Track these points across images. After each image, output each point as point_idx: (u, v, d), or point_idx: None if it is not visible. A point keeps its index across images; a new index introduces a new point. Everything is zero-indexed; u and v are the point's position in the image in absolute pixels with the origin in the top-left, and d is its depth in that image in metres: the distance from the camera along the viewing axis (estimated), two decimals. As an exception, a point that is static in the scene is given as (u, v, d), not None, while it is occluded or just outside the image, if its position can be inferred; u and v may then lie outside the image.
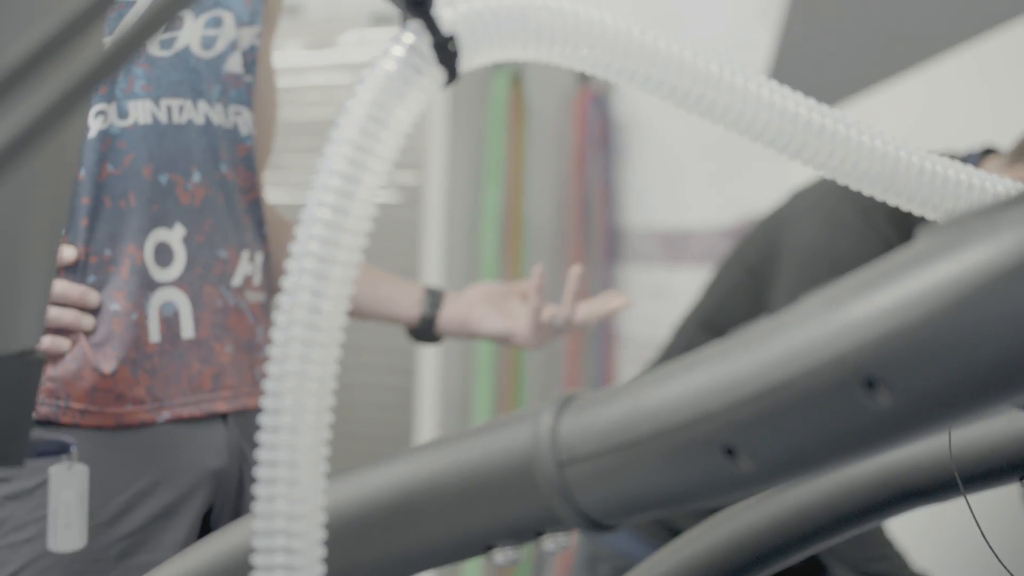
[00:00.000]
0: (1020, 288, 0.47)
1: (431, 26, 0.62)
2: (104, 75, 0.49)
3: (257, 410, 1.61)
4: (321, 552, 0.59)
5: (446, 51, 0.63)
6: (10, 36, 0.60)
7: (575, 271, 1.69)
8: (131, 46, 0.50)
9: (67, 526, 0.70)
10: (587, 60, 0.70)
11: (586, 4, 0.69)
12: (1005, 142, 2.13)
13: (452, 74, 0.63)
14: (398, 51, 0.63)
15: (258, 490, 0.59)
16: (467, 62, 0.64)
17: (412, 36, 0.63)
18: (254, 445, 1.67)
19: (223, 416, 1.58)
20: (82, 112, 0.85)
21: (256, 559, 0.58)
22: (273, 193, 1.85)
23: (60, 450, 0.76)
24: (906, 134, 0.80)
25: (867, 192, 0.77)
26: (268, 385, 0.59)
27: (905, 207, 0.77)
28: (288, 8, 3.40)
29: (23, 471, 1.41)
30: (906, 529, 2.10)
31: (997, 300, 0.47)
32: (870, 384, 0.50)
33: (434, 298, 1.79)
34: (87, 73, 0.49)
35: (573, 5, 0.69)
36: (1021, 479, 1.05)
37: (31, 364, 0.66)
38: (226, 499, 1.59)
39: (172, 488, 1.52)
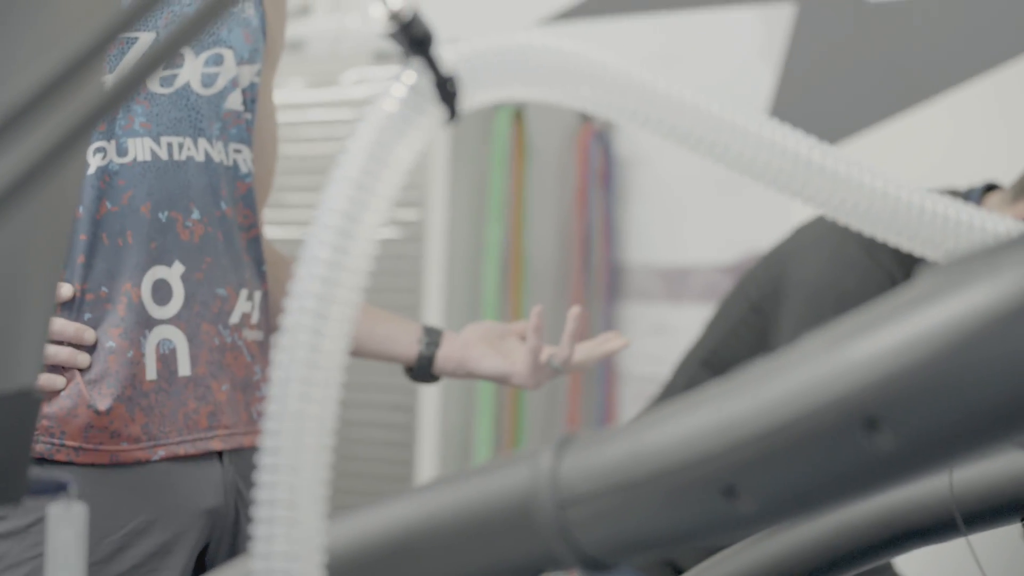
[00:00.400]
0: (1021, 328, 0.47)
1: (432, 65, 0.62)
2: (106, 113, 0.50)
3: (253, 449, 1.61)
4: (320, 592, 0.58)
5: (447, 90, 0.63)
6: (11, 75, 0.60)
7: (574, 312, 1.69)
8: (132, 85, 0.50)
9: (65, 566, 0.69)
10: (588, 99, 0.70)
11: (587, 44, 0.69)
12: (1007, 177, 2.13)
13: (453, 113, 0.64)
14: (399, 90, 0.63)
15: (257, 530, 0.58)
16: (468, 101, 0.64)
17: (413, 75, 0.63)
18: (251, 484, 1.67)
19: (219, 455, 1.57)
20: (82, 150, 0.85)
21: (254, 599, 0.58)
22: (273, 230, 1.85)
23: (57, 488, 0.75)
24: (908, 171, 0.80)
25: (868, 231, 0.77)
26: (267, 425, 0.59)
27: (906, 247, 0.77)
28: (290, 46, 3.41)
29: (17, 509, 1.40)
30: (906, 566, 2.09)
31: (998, 341, 0.47)
32: (872, 425, 0.49)
33: (432, 337, 1.78)
34: (89, 112, 0.50)
35: (574, 45, 0.69)
36: (1022, 519, 1.05)
37: (30, 402, 0.66)
38: (222, 538, 1.58)
39: (167, 527, 1.51)
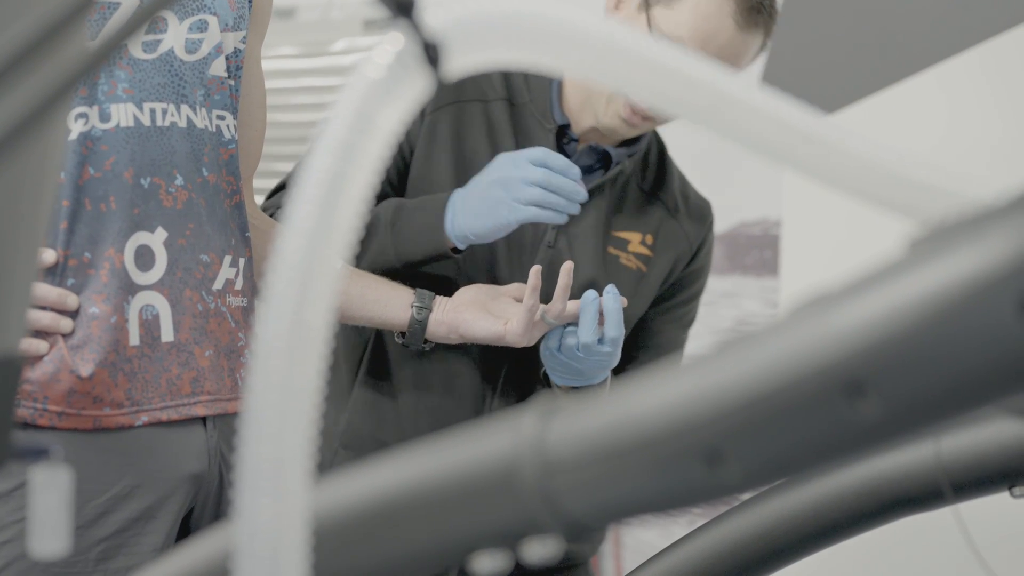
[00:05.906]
0: (1005, 296, 0.47)
1: (418, 29, 0.61)
2: (86, 76, 0.49)
3: (238, 415, 1.61)
4: (305, 559, 0.58)
5: (433, 55, 0.62)
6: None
7: (567, 266, 1.71)
8: (112, 47, 0.49)
9: (50, 531, 0.69)
10: (577, 65, 0.69)
11: (576, 9, 0.69)
12: (999, 150, 2.13)
13: (439, 79, 0.63)
14: (383, 55, 0.62)
15: (240, 496, 0.58)
16: (455, 66, 0.63)
17: (398, 39, 0.62)
18: (235, 449, 1.67)
19: (203, 420, 1.58)
20: (63, 113, 0.84)
21: (239, 566, 0.57)
22: (261, 199, 1.85)
23: (41, 453, 0.75)
24: (900, 142, 0.79)
25: (854, 199, 0.76)
26: (252, 391, 0.58)
27: (892, 214, 0.77)
28: (280, 13, 3.39)
29: (2, 473, 1.40)
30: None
31: (984, 307, 0.47)
32: (859, 391, 0.49)
33: (425, 301, 1.78)
34: (69, 74, 0.49)
35: (562, 10, 0.68)
36: (1010, 488, 1.05)
37: (12, 367, 0.65)
38: (206, 503, 1.59)
39: (151, 491, 1.52)
